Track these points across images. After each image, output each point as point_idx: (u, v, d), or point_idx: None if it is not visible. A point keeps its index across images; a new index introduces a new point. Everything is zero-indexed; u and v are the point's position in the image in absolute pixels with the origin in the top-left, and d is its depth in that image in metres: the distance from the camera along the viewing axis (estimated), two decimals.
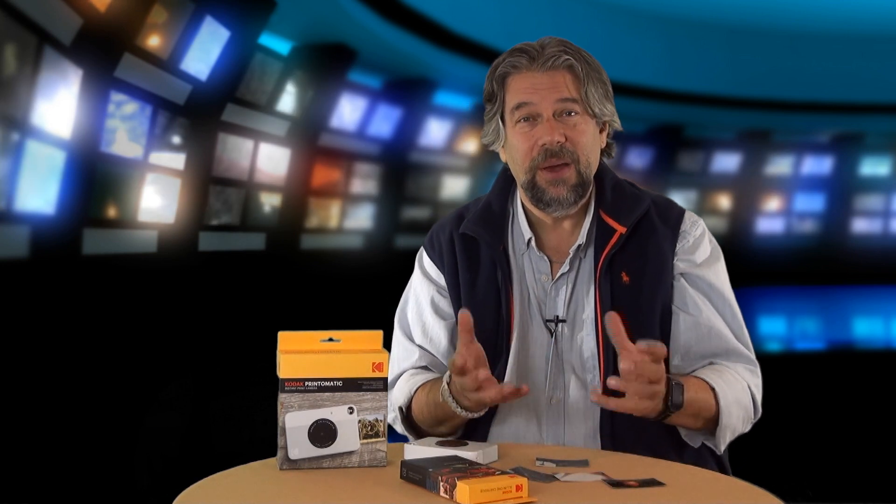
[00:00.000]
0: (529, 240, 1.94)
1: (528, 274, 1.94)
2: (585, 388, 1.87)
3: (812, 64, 13.43)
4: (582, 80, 1.86)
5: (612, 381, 1.64)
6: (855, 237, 14.52)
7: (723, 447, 1.84)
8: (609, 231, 1.90)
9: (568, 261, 1.92)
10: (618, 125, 1.93)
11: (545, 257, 1.94)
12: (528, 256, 1.95)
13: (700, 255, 1.92)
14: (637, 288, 1.88)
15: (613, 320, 1.64)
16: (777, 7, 12.59)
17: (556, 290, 1.93)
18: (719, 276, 1.93)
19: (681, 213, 1.95)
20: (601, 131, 1.93)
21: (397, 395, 1.93)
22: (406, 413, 1.93)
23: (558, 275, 1.93)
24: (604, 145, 1.94)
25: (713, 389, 1.79)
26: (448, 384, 1.78)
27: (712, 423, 1.80)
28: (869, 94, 13.55)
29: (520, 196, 1.97)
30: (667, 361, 1.89)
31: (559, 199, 1.86)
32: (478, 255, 1.95)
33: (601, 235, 1.91)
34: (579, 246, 1.92)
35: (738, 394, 1.82)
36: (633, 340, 1.87)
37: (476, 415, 1.79)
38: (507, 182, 2.00)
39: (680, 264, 1.91)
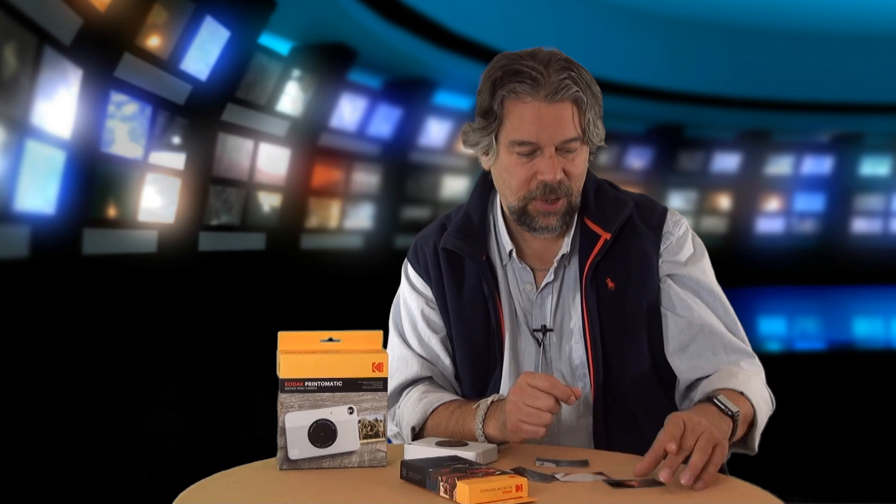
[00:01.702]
0: (511, 251, 1.92)
1: (512, 284, 1.93)
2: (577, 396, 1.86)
3: (812, 64, 13.45)
4: (585, 111, 1.82)
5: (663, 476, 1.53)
6: (855, 237, 14.53)
7: (756, 447, 1.81)
8: (593, 238, 1.88)
9: (552, 270, 1.91)
10: (602, 143, 1.90)
11: (527, 267, 1.92)
12: (510, 267, 1.93)
13: (684, 253, 1.91)
14: (623, 294, 1.87)
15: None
16: (777, 7, 12.60)
17: (542, 299, 1.91)
18: (706, 272, 1.92)
19: (663, 213, 1.93)
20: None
21: (408, 415, 1.89)
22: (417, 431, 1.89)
23: (543, 284, 1.91)
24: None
25: (743, 394, 1.75)
26: (488, 408, 1.74)
27: (748, 427, 1.77)
28: (869, 94, 13.57)
29: (500, 205, 1.94)
30: (664, 366, 1.88)
31: (548, 227, 1.85)
32: (462, 267, 1.94)
33: (585, 242, 1.89)
34: (563, 255, 1.91)
35: (759, 390, 1.79)
36: (622, 346, 1.86)
37: (499, 447, 1.76)
38: (485, 189, 1.98)
39: (665, 266, 1.90)
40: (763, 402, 1.79)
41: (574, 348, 1.88)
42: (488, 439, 1.74)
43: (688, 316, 1.87)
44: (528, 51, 1.84)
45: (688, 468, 1.50)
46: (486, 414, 1.75)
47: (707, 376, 1.85)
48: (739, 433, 1.72)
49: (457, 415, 1.82)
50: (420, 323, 1.96)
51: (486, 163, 1.92)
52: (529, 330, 1.91)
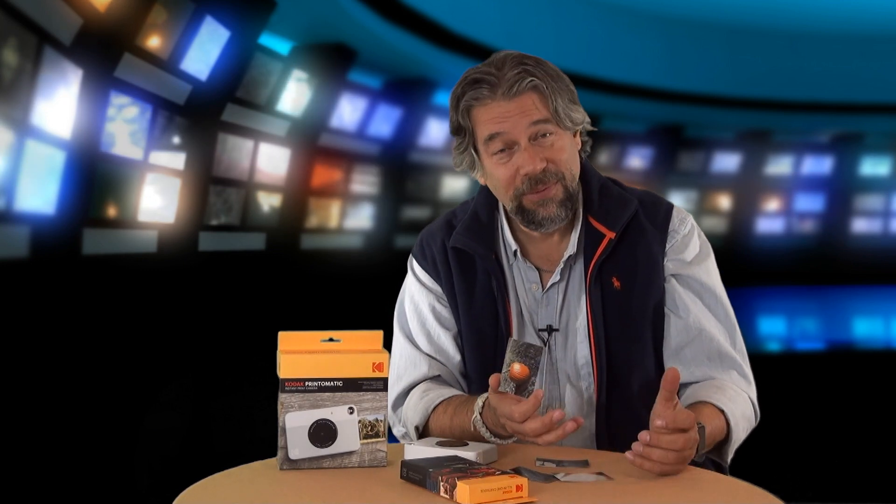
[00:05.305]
0: (515, 251, 1.92)
1: (518, 283, 1.93)
2: (581, 396, 1.87)
3: (812, 64, 13.44)
4: (549, 96, 1.81)
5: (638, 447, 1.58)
6: (855, 237, 14.52)
7: (729, 460, 1.84)
8: (598, 237, 1.88)
9: (558, 270, 1.91)
10: (589, 125, 1.89)
11: (533, 267, 1.93)
12: (516, 266, 1.94)
13: (689, 253, 1.91)
14: (628, 293, 1.87)
15: (671, 378, 1.58)
16: (777, 7, 12.59)
17: (548, 299, 1.92)
18: (710, 273, 1.92)
19: (668, 211, 1.93)
20: (574, 135, 1.89)
21: (411, 414, 1.90)
22: (421, 431, 1.90)
23: (549, 284, 1.91)
24: (579, 146, 1.91)
25: (722, 411, 1.77)
26: (481, 414, 1.74)
27: (722, 442, 1.80)
28: (869, 94, 13.55)
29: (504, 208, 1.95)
30: (662, 366, 1.89)
31: (551, 217, 1.84)
32: (472, 264, 1.93)
33: (590, 241, 1.89)
34: (570, 255, 1.90)
35: (742, 407, 1.82)
36: (626, 346, 1.86)
37: (508, 441, 1.76)
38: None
39: (670, 265, 1.90)
40: (743, 420, 1.81)
41: (579, 348, 1.88)
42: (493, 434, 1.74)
43: (686, 319, 1.87)
44: (486, 60, 1.86)
45: (648, 460, 1.56)
46: (483, 422, 1.75)
47: (696, 381, 1.86)
48: (703, 450, 1.73)
49: (459, 414, 1.82)
50: (429, 319, 1.96)
51: (481, 179, 1.93)
52: (535, 330, 1.91)
